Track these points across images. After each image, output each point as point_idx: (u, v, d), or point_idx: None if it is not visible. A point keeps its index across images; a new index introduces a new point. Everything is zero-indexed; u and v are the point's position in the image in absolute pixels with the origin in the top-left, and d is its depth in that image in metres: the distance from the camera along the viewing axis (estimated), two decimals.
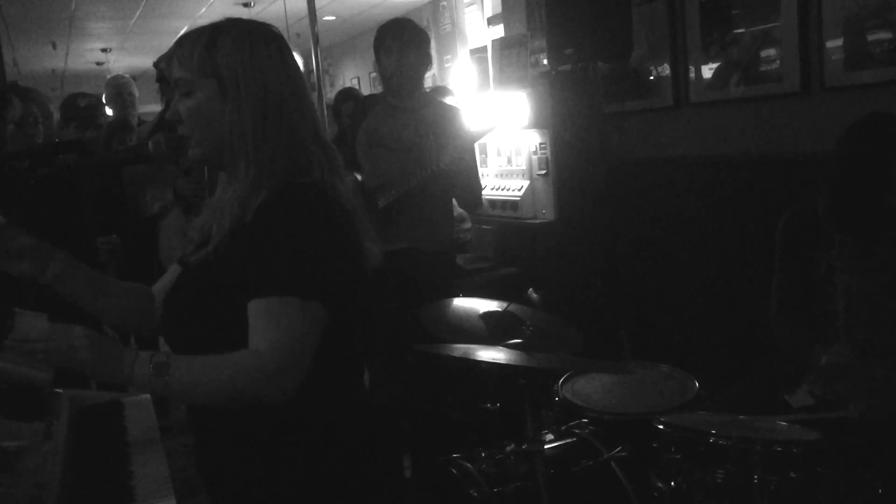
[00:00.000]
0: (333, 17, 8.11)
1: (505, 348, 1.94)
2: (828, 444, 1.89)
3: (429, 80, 7.90)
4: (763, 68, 3.29)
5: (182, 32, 3.55)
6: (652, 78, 3.88)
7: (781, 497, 1.81)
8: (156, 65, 3.71)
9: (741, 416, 2.12)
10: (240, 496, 1.46)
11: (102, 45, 9.32)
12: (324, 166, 1.44)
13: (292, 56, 1.48)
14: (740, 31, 3.38)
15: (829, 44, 3.00)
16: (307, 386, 1.31)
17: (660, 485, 1.95)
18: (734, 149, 3.49)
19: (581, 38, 3.56)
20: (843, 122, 2.95)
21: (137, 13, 7.50)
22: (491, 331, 2.29)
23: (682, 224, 3.76)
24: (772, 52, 3.24)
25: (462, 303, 2.60)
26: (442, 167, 2.97)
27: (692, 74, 3.64)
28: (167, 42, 8.82)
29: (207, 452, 1.51)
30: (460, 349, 1.91)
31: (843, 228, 2.24)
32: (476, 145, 4.67)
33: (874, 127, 2.22)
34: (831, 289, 2.28)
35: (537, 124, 4.21)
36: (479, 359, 1.85)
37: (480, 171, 4.71)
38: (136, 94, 4.69)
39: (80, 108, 4.22)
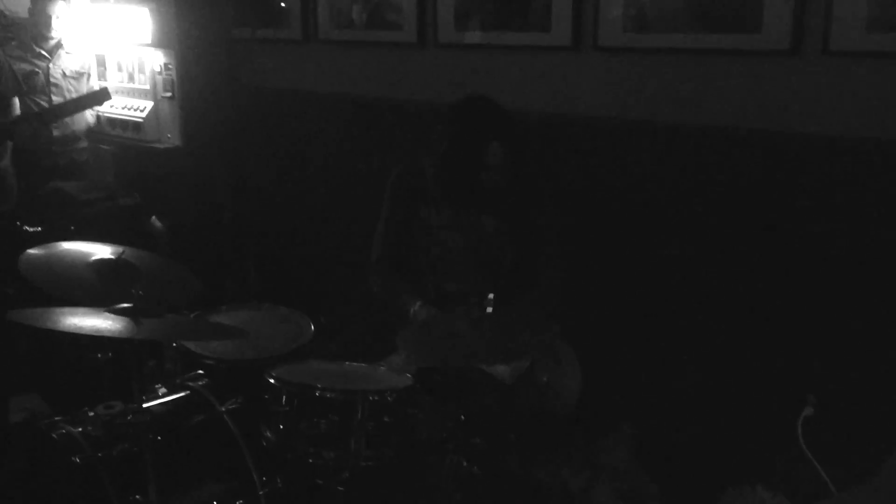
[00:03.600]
0: None
1: (112, 314, 1.86)
2: (419, 387, 2.15)
3: None
4: (388, 16, 3.41)
5: None
6: (283, 5, 3.83)
7: (379, 438, 2.01)
8: None
9: (348, 363, 2.31)
10: None
11: None
12: None
13: None
14: None
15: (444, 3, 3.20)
16: None
17: (269, 434, 2.06)
18: (359, 89, 3.61)
19: None
20: (453, 77, 3.20)
21: None
22: (103, 283, 2.19)
23: (314, 158, 3.83)
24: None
25: (70, 247, 2.42)
26: None
27: (321, 10, 3.66)
28: None
29: None
30: (58, 318, 1.78)
31: (445, 195, 2.49)
32: (95, 58, 4.32)
33: (476, 111, 2.43)
34: (428, 242, 2.52)
35: (161, 43, 3.96)
36: (78, 331, 1.75)
37: (99, 84, 4.35)
38: None
39: None
